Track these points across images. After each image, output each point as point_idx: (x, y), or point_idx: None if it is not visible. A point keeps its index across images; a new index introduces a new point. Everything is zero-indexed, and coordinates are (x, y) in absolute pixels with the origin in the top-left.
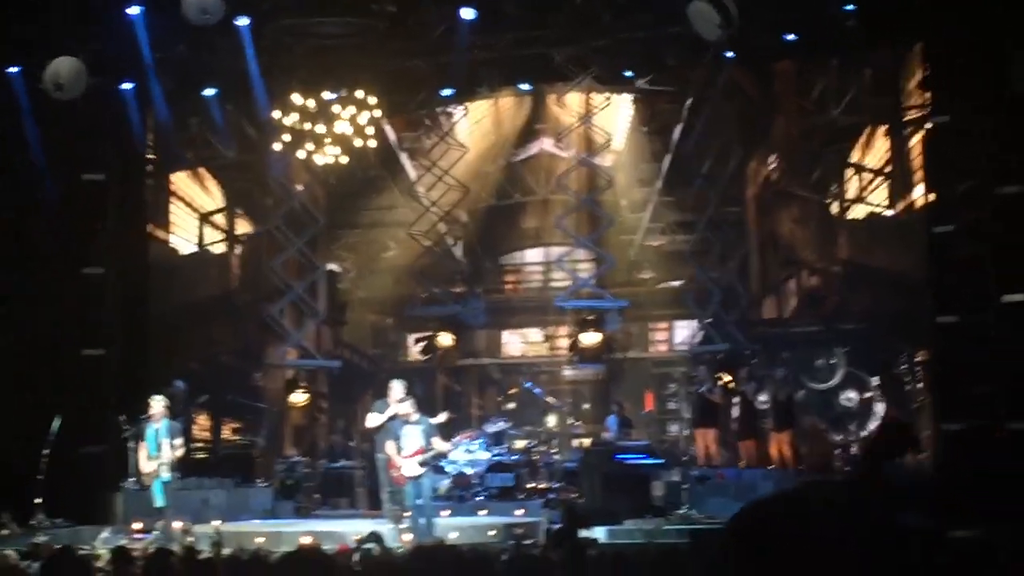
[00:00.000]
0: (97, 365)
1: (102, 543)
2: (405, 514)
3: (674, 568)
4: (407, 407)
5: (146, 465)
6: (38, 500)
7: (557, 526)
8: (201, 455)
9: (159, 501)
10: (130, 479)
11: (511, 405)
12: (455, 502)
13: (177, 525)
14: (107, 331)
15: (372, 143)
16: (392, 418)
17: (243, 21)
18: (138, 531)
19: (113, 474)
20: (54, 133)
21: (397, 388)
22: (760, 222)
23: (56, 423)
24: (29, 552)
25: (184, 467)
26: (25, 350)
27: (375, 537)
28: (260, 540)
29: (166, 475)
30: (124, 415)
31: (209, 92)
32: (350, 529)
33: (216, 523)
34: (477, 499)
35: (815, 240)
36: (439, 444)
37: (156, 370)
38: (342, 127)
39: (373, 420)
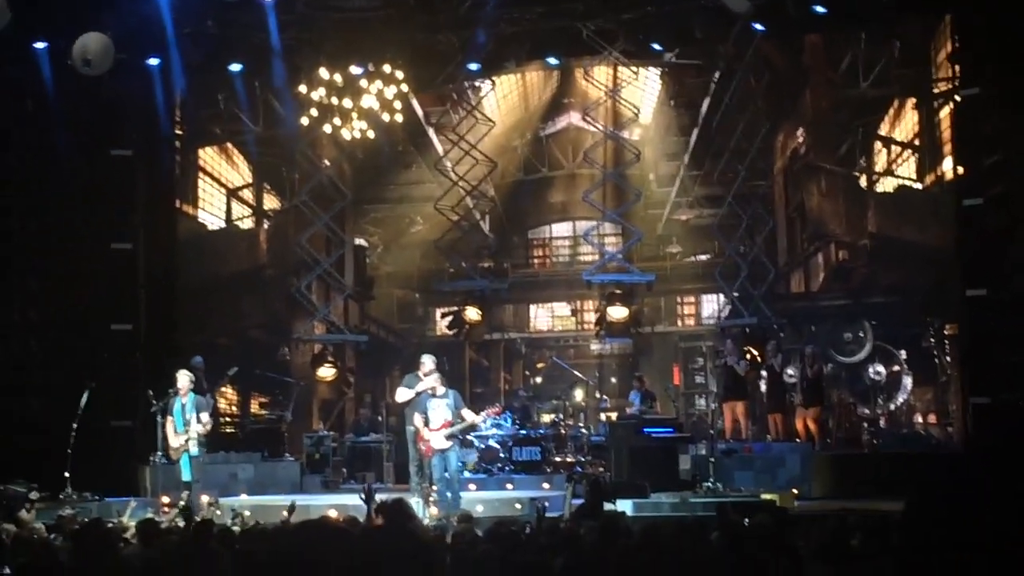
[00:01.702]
0: (126, 339)
1: (130, 516)
2: (433, 487)
3: (700, 541)
4: (435, 380)
5: (174, 439)
6: (67, 474)
7: (581, 500)
8: (229, 430)
9: (186, 475)
10: (158, 453)
11: (538, 379)
12: (482, 475)
13: (204, 499)
14: (136, 306)
15: (399, 118)
16: (421, 392)
17: None
18: (166, 505)
19: (141, 448)
20: (82, 109)
21: (428, 362)
22: (788, 196)
23: (85, 397)
24: (57, 525)
25: (212, 441)
26: (55, 324)
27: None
28: (285, 514)
29: (194, 450)
30: (152, 389)
31: (235, 67)
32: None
33: (241, 498)
34: (504, 472)
35: (843, 213)
36: (467, 416)
37: (184, 345)
38: (369, 102)
39: (403, 394)
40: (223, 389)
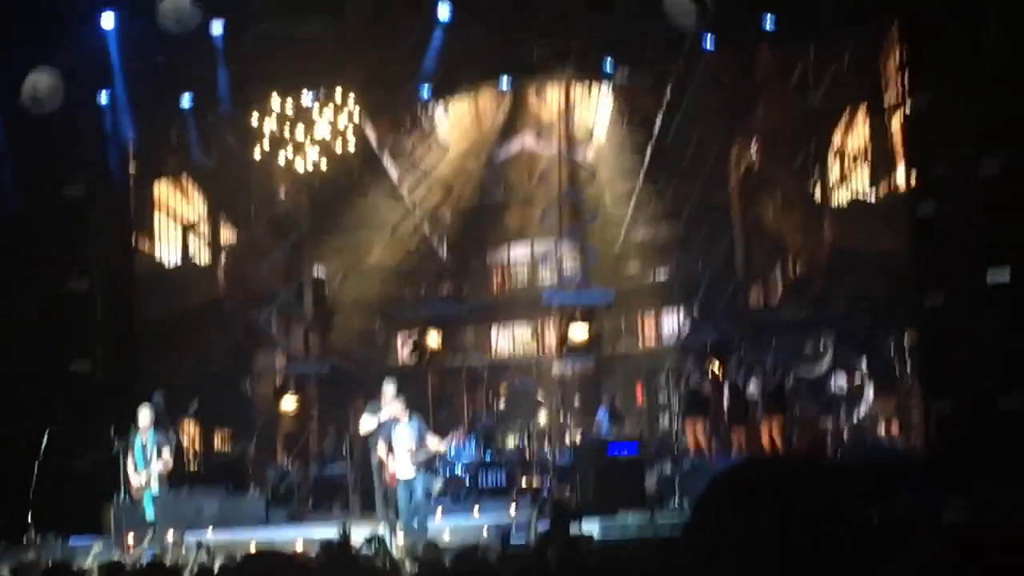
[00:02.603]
0: (85, 379)
1: (94, 558)
2: (397, 516)
3: (667, 560)
4: (398, 408)
5: (134, 478)
6: (29, 518)
7: (546, 524)
8: (193, 467)
9: (150, 514)
10: (121, 492)
11: (502, 404)
12: (448, 502)
13: (169, 537)
14: (94, 345)
15: (353, 146)
16: (385, 420)
17: (217, 29)
18: (130, 545)
19: (104, 487)
20: (32, 147)
21: (389, 389)
22: (744, 210)
23: (45, 439)
24: (18, 570)
25: (175, 477)
26: (12, 366)
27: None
28: (252, 549)
29: (155, 488)
30: (113, 428)
31: (185, 102)
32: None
33: (207, 534)
34: (470, 499)
35: (800, 226)
36: (432, 444)
37: (144, 382)
38: (322, 131)
39: (367, 423)
40: (186, 422)
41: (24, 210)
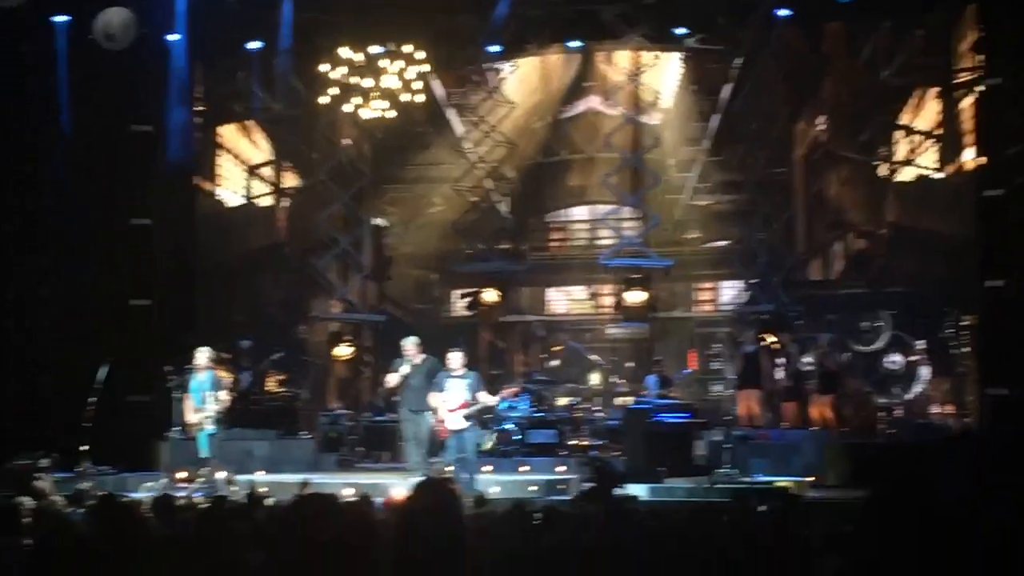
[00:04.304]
0: (144, 315)
1: (146, 491)
2: (447, 467)
3: (711, 526)
4: (458, 361)
5: (191, 416)
6: (84, 447)
7: (589, 484)
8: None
9: (204, 452)
10: (175, 428)
11: (555, 362)
12: (497, 457)
13: (221, 475)
14: (154, 282)
15: (419, 98)
16: (410, 372)
17: None
18: (182, 480)
19: (158, 423)
20: (102, 84)
21: (409, 344)
22: (807, 183)
23: (103, 371)
24: (74, 497)
25: (229, 418)
26: (74, 299)
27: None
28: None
29: (210, 427)
30: (169, 365)
31: (254, 45)
32: (392, 482)
33: (258, 474)
34: (519, 455)
35: (863, 202)
36: (484, 398)
37: (202, 321)
38: (389, 81)
39: (392, 379)
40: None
41: (91, 145)
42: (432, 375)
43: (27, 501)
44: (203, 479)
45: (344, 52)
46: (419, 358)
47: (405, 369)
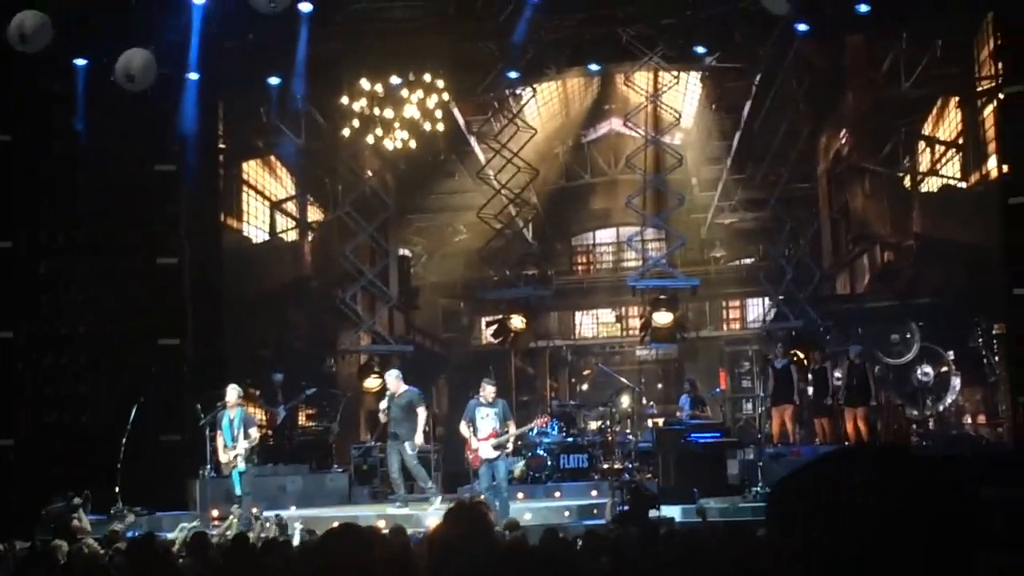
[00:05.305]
0: (174, 354)
1: (180, 530)
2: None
3: (747, 546)
4: (489, 393)
5: (223, 455)
6: (117, 488)
7: (624, 508)
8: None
9: (237, 489)
10: (207, 466)
11: (584, 386)
12: (529, 484)
13: (254, 511)
14: (183, 320)
15: (440, 127)
16: (389, 405)
17: (306, 7)
18: (215, 519)
19: (190, 462)
20: (126, 124)
21: (391, 379)
22: (831, 197)
23: (134, 412)
24: (108, 539)
25: (261, 454)
26: (104, 339)
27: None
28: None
29: (241, 465)
30: (200, 403)
31: (274, 81)
32: (425, 513)
33: (291, 510)
34: (552, 481)
35: (888, 214)
36: (514, 428)
37: (231, 358)
38: (411, 111)
39: (381, 416)
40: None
41: (117, 185)
42: (410, 407)
43: (63, 545)
44: (236, 516)
45: (364, 83)
46: (401, 390)
47: (383, 404)
